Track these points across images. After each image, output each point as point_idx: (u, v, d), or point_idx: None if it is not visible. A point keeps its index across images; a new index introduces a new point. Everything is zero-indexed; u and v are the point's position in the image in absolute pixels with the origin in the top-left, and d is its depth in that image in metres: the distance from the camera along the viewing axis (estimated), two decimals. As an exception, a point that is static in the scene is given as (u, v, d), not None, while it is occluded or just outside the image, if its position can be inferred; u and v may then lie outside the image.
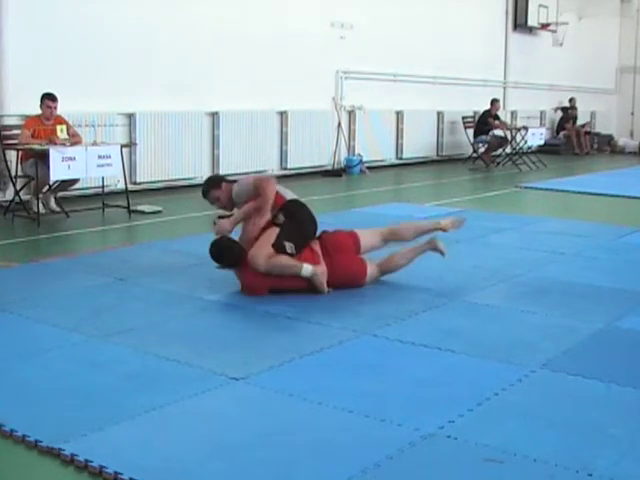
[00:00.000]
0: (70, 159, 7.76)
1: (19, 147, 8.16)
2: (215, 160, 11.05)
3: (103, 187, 8.81)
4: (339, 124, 13.09)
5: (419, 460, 2.94)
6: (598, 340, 4.40)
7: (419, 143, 14.78)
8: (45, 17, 8.92)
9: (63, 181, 8.23)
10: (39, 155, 7.84)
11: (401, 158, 14.51)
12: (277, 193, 5.49)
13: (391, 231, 5.64)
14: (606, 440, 3.10)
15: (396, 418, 3.27)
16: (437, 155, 15.40)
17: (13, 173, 8.36)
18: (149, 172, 10.14)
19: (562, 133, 18.57)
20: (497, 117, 15.00)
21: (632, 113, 21.42)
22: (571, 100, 18.77)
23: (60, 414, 3.28)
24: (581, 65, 19.47)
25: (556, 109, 19.21)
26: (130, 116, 9.90)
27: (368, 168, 13.29)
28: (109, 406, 3.35)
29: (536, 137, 15.06)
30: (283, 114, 12.04)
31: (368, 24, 13.25)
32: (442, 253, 5.54)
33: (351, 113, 13.37)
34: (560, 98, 19.06)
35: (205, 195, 5.76)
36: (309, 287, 5.14)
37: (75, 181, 8.37)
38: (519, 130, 14.71)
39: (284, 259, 5.09)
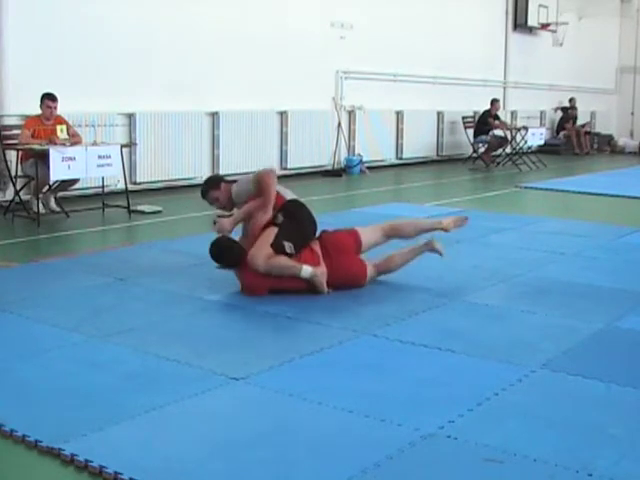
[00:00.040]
0: (70, 159, 7.76)
1: (19, 147, 8.16)
2: (215, 160, 11.05)
3: (103, 187, 8.81)
4: (339, 124, 13.09)
5: (419, 460, 2.94)
6: (598, 340, 4.40)
7: (419, 143, 14.78)
8: (45, 17, 8.92)
9: (63, 181, 8.23)
10: (39, 155, 7.84)
11: (401, 158, 14.51)
12: (277, 193, 5.49)
13: (392, 227, 5.61)
14: (606, 440, 3.10)
15: (396, 418, 3.27)
16: (437, 155, 15.40)
17: (13, 173, 8.36)
18: (149, 172, 10.14)
19: (562, 133, 18.57)
20: (497, 117, 15.00)
21: (632, 113, 21.43)
22: (571, 100, 18.77)
23: (60, 414, 3.28)
24: (581, 65, 19.47)
25: (556, 109, 19.22)
26: (130, 116, 9.90)
27: (368, 168, 13.29)
28: (109, 406, 3.35)
29: (536, 137, 15.06)
30: (283, 114, 12.04)
31: (368, 24, 13.25)
32: (440, 254, 5.53)
33: (351, 113, 13.37)
34: (560, 98, 19.06)
35: (204, 196, 5.76)
36: (309, 287, 5.14)
37: (75, 181, 8.37)
38: (519, 130, 14.71)
39: (283, 260, 5.08)
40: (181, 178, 10.53)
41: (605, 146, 19.76)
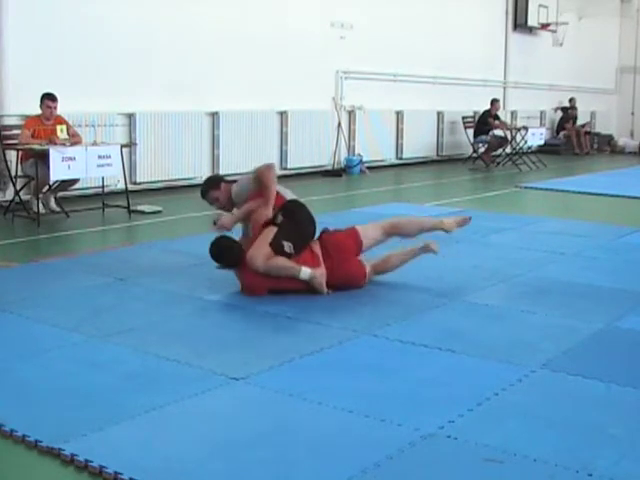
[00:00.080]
0: (70, 159, 7.76)
1: (19, 147, 8.16)
2: (215, 160, 11.05)
3: (103, 187, 8.81)
4: (339, 124, 13.09)
5: (419, 460, 2.94)
6: (598, 340, 4.40)
7: (419, 143, 14.78)
8: (45, 17, 8.92)
9: (63, 181, 8.23)
10: (39, 155, 7.84)
11: (401, 158, 14.51)
12: (277, 193, 5.49)
13: (393, 225, 5.56)
14: (606, 440, 3.10)
15: (396, 418, 3.27)
16: (437, 155, 15.40)
17: (13, 173, 8.36)
18: (149, 172, 10.14)
19: (562, 133, 18.57)
20: (497, 117, 15.00)
21: (632, 113, 21.43)
22: (571, 100, 18.77)
23: (60, 414, 3.28)
24: (581, 65, 19.47)
25: (556, 109, 19.22)
26: (130, 116, 9.90)
27: (368, 168, 13.29)
28: (109, 406, 3.35)
29: (536, 137, 15.06)
30: (283, 114, 12.04)
31: (368, 24, 13.25)
32: (435, 252, 5.51)
33: (351, 113, 13.37)
34: (560, 98, 19.06)
35: (204, 196, 5.75)
36: (308, 288, 5.13)
37: (75, 181, 8.37)
38: (519, 130, 14.71)
39: (282, 261, 5.07)
40: (181, 178, 10.53)
41: (605, 146, 19.76)
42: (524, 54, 17.59)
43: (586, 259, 6.48)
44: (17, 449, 3.02)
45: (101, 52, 9.47)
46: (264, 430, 3.16)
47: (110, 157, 8.20)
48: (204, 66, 10.72)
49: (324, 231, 5.47)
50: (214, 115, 11.00)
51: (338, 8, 12.82)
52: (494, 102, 14.97)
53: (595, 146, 19.37)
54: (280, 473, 2.82)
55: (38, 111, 8.30)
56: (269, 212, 5.31)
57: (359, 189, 11.47)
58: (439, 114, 15.27)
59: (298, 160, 12.31)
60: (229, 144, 11.15)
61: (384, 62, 13.59)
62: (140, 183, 9.99)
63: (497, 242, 7.12)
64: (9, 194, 8.53)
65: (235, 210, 5.64)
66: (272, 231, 5.16)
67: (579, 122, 18.77)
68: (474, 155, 15.02)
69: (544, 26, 17.90)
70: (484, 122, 14.85)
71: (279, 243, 5.08)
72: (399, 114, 14.29)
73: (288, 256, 5.10)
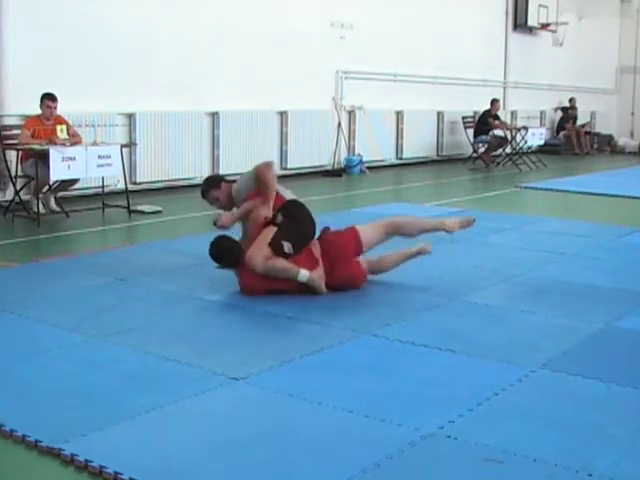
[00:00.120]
0: (70, 159, 7.76)
1: (19, 147, 8.16)
2: (215, 160, 11.05)
3: (103, 187, 8.81)
4: (339, 124, 13.09)
5: (419, 460, 2.94)
6: (598, 340, 4.40)
7: (419, 143, 14.78)
8: (45, 17, 8.93)
9: (63, 181, 8.23)
10: (39, 155, 7.84)
11: (401, 158, 14.51)
12: (277, 193, 5.48)
13: (394, 225, 5.52)
14: (606, 440, 3.10)
15: (396, 418, 3.27)
16: (437, 155, 15.40)
17: (13, 173, 8.36)
18: (149, 172, 10.14)
19: (562, 133, 18.57)
20: (497, 117, 15.00)
21: (632, 113, 21.43)
22: (571, 100, 18.77)
23: (60, 414, 3.28)
24: (581, 65, 19.47)
25: (556, 109, 19.22)
26: (130, 116, 9.90)
27: (368, 168, 13.29)
28: (109, 406, 3.35)
29: (536, 137, 15.06)
30: (283, 114, 12.04)
31: (368, 24, 13.25)
32: (429, 252, 5.52)
33: (351, 113, 13.37)
34: (560, 98, 19.06)
35: (204, 195, 5.75)
36: (307, 289, 5.12)
37: (75, 181, 8.37)
38: (519, 130, 14.72)
39: (281, 262, 5.04)
40: (181, 178, 10.53)
41: (605, 146, 19.77)
42: (524, 54, 17.59)
43: (586, 259, 6.48)
44: (17, 449, 3.02)
45: (101, 52, 9.47)
46: (264, 430, 3.16)
47: (110, 157, 8.20)
48: (204, 66, 10.72)
49: (324, 231, 5.46)
50: (214, 115, 11.00)
51: (338, 8, 12.82)
52: (494, 102, 14.97)
53: (595, 146, 19.37)
54: (280, 473, 2.82)
55: (38, 111, 8.30)
56: (268, 211, 5.30)
57: (359, 189, 11.47)
58: (439, 114, 15.27)
59: (298, 160, 12.31)
60: (229, 144, 11.15)
61: (384, 62, 13.59)
62: (140, 183, 9.99)
63: (497, 242, 7.12)
64: (9, 194, 8.53)
65: (235, 209, 5.64)
66: (271, 231, 5.15)
67: (579, 122, 18.77)
68: (474, 155, 15.02)
69: (544, 26, 17.90)
70: (484, 122, 14.85)
71: (278, 243, 5.07)
72: (399, 114, 14.29)
73: (287, 256, 5.09)
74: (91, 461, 2.86)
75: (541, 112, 18.59)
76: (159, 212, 8.65)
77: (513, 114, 17.30)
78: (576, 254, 6.65)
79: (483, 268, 6.04)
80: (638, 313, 4.88)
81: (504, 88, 17.24)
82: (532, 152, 15.28)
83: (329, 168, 12.91)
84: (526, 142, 14.65)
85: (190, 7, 10.47)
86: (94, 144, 8.27)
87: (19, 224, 7.90)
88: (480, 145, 14.96)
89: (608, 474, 2.82)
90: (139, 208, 8.63)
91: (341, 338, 4.32)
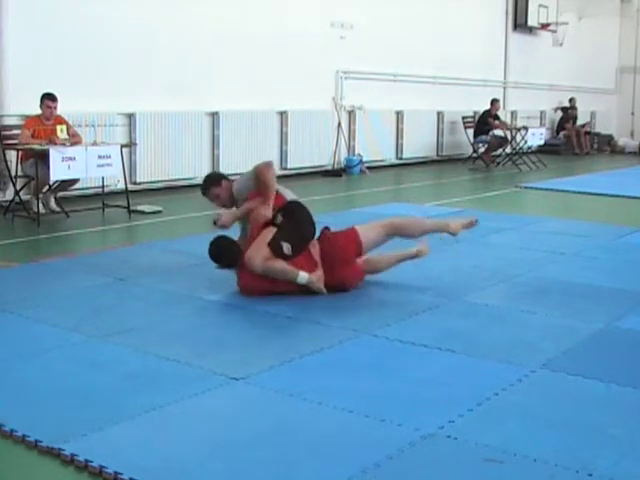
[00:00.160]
0: (70, 159, 7.76)
1: (19, 147, 8.16)
2: (215, 160, 11.05)
3: (103, 187, 8.81)
4: (339, 124, 13.09)
5: (419, 460, 2.94)
6: (598, 340, 4.40)
7: (419, 143, 14.78)
8: (45, 17, 8.93)
9: (63, 181, 8.23)
10: (39, 155, 7.84)
11: (401, 158, 14.51)
12: (277, 193, 5.48)
13: (395, 226, 5.47)
14: (606, 440, 3.10)
15: (396, 418, 3.27)
16: (437, 155, 15.40)
17: (13, 173, 8.36)
18: (149, 172, 10.14)
19: (562, 133, 18.57)
20: (497, 117, 15.01)
21: (632, 113, 21.43)
22: (571, 100, 18.77)
23: (60, 414, 3.28)
24: (581, 65, 19.47)
25: (556, 109, 19.22)
26: (130, 116, 9.90)
27: (368, 168, 13.29)
28: (109, 406, 3.35)
29: (536, 137, 15.06)
30: (283, 114, 12.04)
31: (368, 24, 13.25)
32: (425, 255, 5.51)
33: (351, 113, 13.37)
34: (560, 98, 19.06)
35: (205, 193, 5.73)
36: (307, 290, 5.11)
37: (75, 181, 8.37)
38: (519, 130, 14.72)
39: (280, 264, 5.02)
40: (181, 178, 10.53)
41: (605, 146, 19.77)
42: (524, 54, 17.59)
43: (586, 259, 6.48)
44: (17, 449, 3.02)
45: (101, 52, 9.47)
46: (264, 430, 3.16)
47: (110, 157, 8.20)
48: (204, 66, 10.72)
49: (324, 231, 5.44)
50: (214, 115, 11.00)
51: (338, 8, 12.82)
52: (494, 102, 14.97)
53: (595, 146, 19.37)
54: (280, 473, 2.82)
55: (38, 111, 8.30)
56: (268, 211, 5.29)
57: (359, 189, 11.47)
58: (439, 114, 15.27)
59: (298, 160, 12.31)
60: (229, 144, 11.15)
61: (384, 62, 13.59)
62: (140, 183, 9.99)
63: (497, 242, 7.12)
64: (9, 194, 8.53)
65: (235, 209, 5.63)
66: (271, 232, 5.13)
67: (579, 122, 18.77)
68: (474, 155, 15.02)
69: (544, 26, 17.90)
70: (484, 122, 14.85)
71: (278, 244, 5.05)
72: (399, 114, 14.29)
73: (286, 258, 5.07)
74: (91, 461, 2.86)
75: (541, 112, 18.60)
76: (159, 212, 8.65)
77: (513, 114, 17.30)
78: (576, 254, 6.65)
79: (483, 268, 6.03)
80: (638, 313, 4.88)
81: (504, 88, 17.24)
82: (532, 152, 15.28)
83: (329, 168, 12.91)
84: (526, 142, 14.65)
85: (190, 7, 10.47)
86: (94, 144, 8.27)
87: (19, 224, 7.90)
88: (480, 145, 14.96)
89: (608, 474, 2.82)
90: (139, 208, 8.63)
91: (341, 338, 4.32)
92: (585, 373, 3.82)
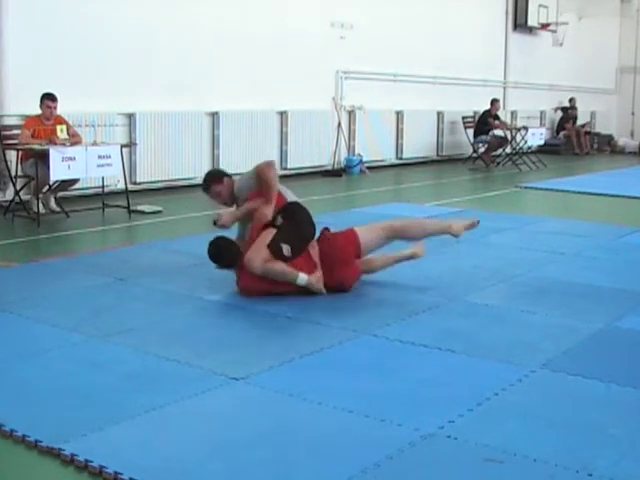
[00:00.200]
0: (70, 159, 7.76)
1: (19, 147, 8.16)
2: (215, 160, 11.05)
3: (103, 187, 8.81)
4: (339, 124, 13.09)
5: (419, 460, 2.94)
6: (598, 340, 4.40)
7: (419, 143, 14.78)
8: (45, 17, 8.93)
9: (63, 181, 8.23)
10: (39, 155, 7.84)
11: (401, 158, 14.51)
12: (279, 193, 5.47)
13: (396, 229, 5.42)
14: (606, 440, 3.10)
15: (396, 418, 3.27)
16: (437, 155, 15.40)
17: (13, 173, 8.36)
18: (149, 172, 10.14)
19: (562, 133, 18.57)
20: (497, 117, 15.01)
21: (632, 113, 21.43)
22: (571, 100, 18.77)
23: (60, 414, 3.28)
24: (581, 65, 19.47)
25: (556, 109, 19.22)
26: (130, 116, 9.90)
27: (368, 168, 13.29)
28: (109, 406, 3.35)
29: (536, 137, 15.06)
30: (283, 114, 12.04)
31: (368, 24, 13.25)
32: (421, 257, 5.51)
33: (351, 113, 13.37)
34: (560, 98, 19.06)
35: (206, 190, 5.71)
36: (306, 290, 5.11)
37: (75, 181, 8.37)
38: (519, 130, 14.72)
39: (280, 266, 5.01)
40: (181, 178, 10.53)
41: (605, 146, 19.77)
42: (524, 54, 17.59)
43: (586, 259, 6.48)
44: (17, 449, 3.02)
45: (101, 52, 9.47)
46: (264, 430, 3.16)
47: (110, 157, 8.20)
48: (204, 66, 10.72)
49: (323, 232, 5.43)
50: (214, 115, 11.00)
51: (338, 8, 12.82)
52: (494, 102, 14.97)
53: (595, 146, 19.37)
54: (280, 473, 2.82)
55: (38, 111, 8.30)
56: (270, 210, 5.28)
57: (359, 189, 11.47)
58: (439, 114, 15.27)
59: (298, 160, 12.31)
60: (229, 144, 11.15)
61: (384, 62, 13.59)
62: (140, 183, 9.99)
63: (497, 242, 7.12)
64: (9, 194, 8.53)
65: (235, 207, 5.62)
66: (271, 233, 5.12)
67: (579, 122, 18.77)
68: (474, 155, 15.02)
69: (544, 26, 17.90)
70: (484, 122, 14.85)
71: (277, 246, 5.04)
72: (399, 114, 14.29)
73: (286, 259, 5.05)
74: (91, 461, 2.86)
75: (541, 112, 18.60)
76: (159, 212, 8.65)
77: (513, 114, 17.30)
78: (576, 254, 6.65)
79: (483, 268, 6.03)
80: (638, 313, 4.88)
81: (504, 88, 17.24)
82: (532, 152, 15.28)
83: (329, 168, 12.91)
84: (526, 142, 14.65)
85: (190, 7, 10.48)
86: (94, 144, 8.27)
87: (19, 224, 7.91)
88: (480, 145, 14.96)
89: (608, 474, 2.82)
90: (139, 208, 8.63)
91: (341, 338, 4.31)
92: (585, 373, 3.82)
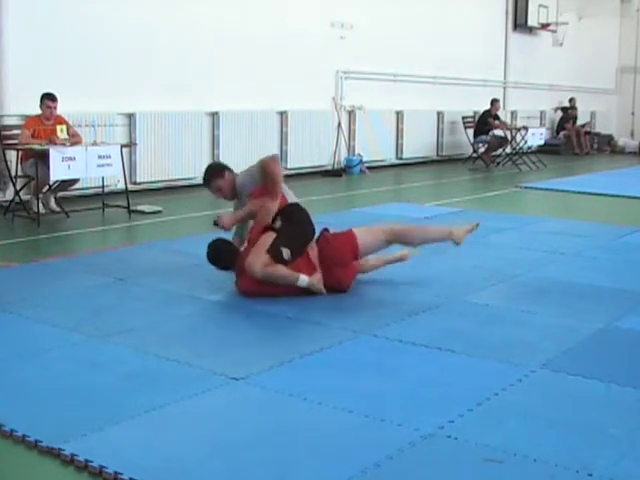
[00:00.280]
0: (70, 159, 7.76)
1: (19, 147, 8.16)
2: (215, 160, 11.03)
3: (103, 187, 8.81)
4: (339, 124, 13.09)
5: (419, 460, 2.94)
6: (598, 340, 4.40)
7: (419, 143, 14.78)
8: (45, 17, 8.93)
9: (63, 181, 8.23)
10: (39, 155, 7.84)
11: (401, 158, 14.51)
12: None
13: (395, 233, 5.37)
14: (606, 440, 3.10)
15: (396, 418, 3.27)
16: (437, 155, 15.40)
17: (13, 173, 8.36)
18: (149, 172, 10.14)
19: (562, 133, 18.57)
20: (497, 117, 15.01)
21: (632, 113, 21.43)
22: (571, 100, 18.77)
23: (60, 414, 3.28)
24: (581, 65, 19.47)
25: (556, 109, 19.22)
26: (130, 116, 9.90)
27: (368, 168, 13.29)
28: (109, 406, 3.35)
29: (536, 137, 15.06)
30: (283, 114, 12.04)
31: (368, 24, 13.25)
32: (406, 260, 5.58)
33: (351, 113, 13.37)
34: (560, 98, 19.06)
35: (207, 184, 5.69)
36: (306, 291, 5.10)
37: (75, 181, 8.37)
38: (519, 130, 14.72)
39: (280, 269, 4.99)
40: (181, 178, 10.53)
41: (605, 146, 19.77)
42: (524, 54, 17.59)
43: (586, 259, 6.48)
44: (17, 449, 3.02)
45: (101, 52, 9.47)
46: (264, 430, 3.16)
47: (110, 157, 8.20)
48: (204, 66, 10.72)
49: (323, 233, 5.40)
50: (214, 115, 11.00)
51: (338, 8, 12.82)
52: (494, 102, 14.97)
53: (595, 146, 19.37)
54: (280, 473, 2.82)
55: (38, 111, 8.30)
56: (275, 206, 5.25)
57: (359, 189, 11.47)
58: (439, 114, 15.27)
59: (298, 160, 12.30)
60: (229, 144, 11.15)
61: (384, 62, 13.59)
62: (140, 183, 9.99)
63: (497, 242, 7.12)
64: (9, 194, 8.53)
65: (237, 202, 5.60)
66: (270, 237, 5.08)
67: (579, 122, 18.77)
68: (474, 155, 15.02)
69: (544, 26, 17.90)
70: (484, 122, 14.85)
71: (277, 250, 5.01)
72: (399, 114, 14.29)
73: (286, 263, 5.04)
74: (91, 461, 2.86)
75: (541, 112, 18.60)
76: (159, 212, 8.64)
77: (513, 114, 17.30)
78: (576, 254, 6.65)
79: (483, 268, 6.04)
80: (638, 313, 4.88)
81: (504, 88, 17.24)
82: (532, 152, 15.28)
83: (329, 168, 12.91)
84: (526, 142, 14.65)
85: (190, 7, 10.47)
86: (94, 144, 8.27)
87: (19, 224, 7.90)
88: (480, 145, 14.96)
89: (608, 474, 2.82)
90: (139, 208, 8.63)
91: (341, 338, 4.31)
92: (585, 373, 3.82)
